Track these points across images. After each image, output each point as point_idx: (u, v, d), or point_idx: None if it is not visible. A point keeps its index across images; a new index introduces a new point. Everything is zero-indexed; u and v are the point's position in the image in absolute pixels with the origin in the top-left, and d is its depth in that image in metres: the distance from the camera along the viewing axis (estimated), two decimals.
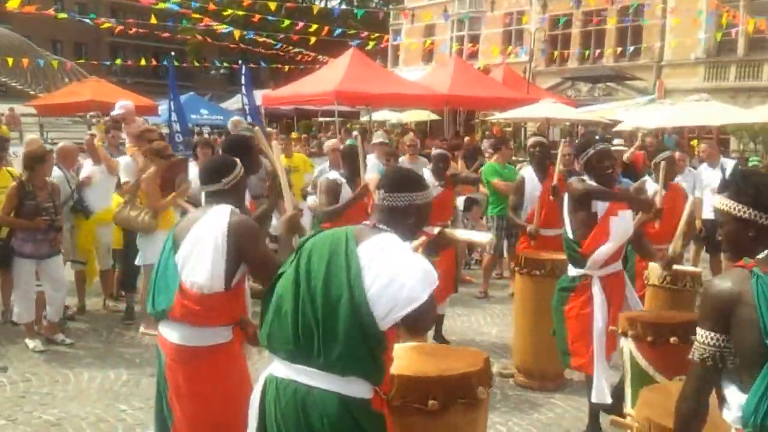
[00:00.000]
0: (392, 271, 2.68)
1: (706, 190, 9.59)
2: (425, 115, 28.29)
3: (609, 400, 4.93)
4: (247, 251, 3.46)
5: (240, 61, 17.54)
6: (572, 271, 5.15)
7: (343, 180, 6.57)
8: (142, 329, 7.42)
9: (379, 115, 27.87)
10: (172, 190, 7.27)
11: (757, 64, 27.78)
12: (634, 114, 20.68)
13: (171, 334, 3.50)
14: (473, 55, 35.18)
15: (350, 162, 6.67)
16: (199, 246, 3.45)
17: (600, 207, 5.00)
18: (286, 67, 30.83)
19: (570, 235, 5.14)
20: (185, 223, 3.68)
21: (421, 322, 2.82)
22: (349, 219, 5.30)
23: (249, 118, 15.61)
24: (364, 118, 24.71)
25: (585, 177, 5.10)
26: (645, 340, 4.38)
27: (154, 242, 6.83)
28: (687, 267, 6.74)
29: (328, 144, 9.69)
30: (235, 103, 27.46)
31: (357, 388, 2.71)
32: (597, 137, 5.63)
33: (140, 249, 7.35)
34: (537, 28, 31.93)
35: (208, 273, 3.41)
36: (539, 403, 5.87)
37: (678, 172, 7.76)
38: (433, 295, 2.73)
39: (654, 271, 6.10)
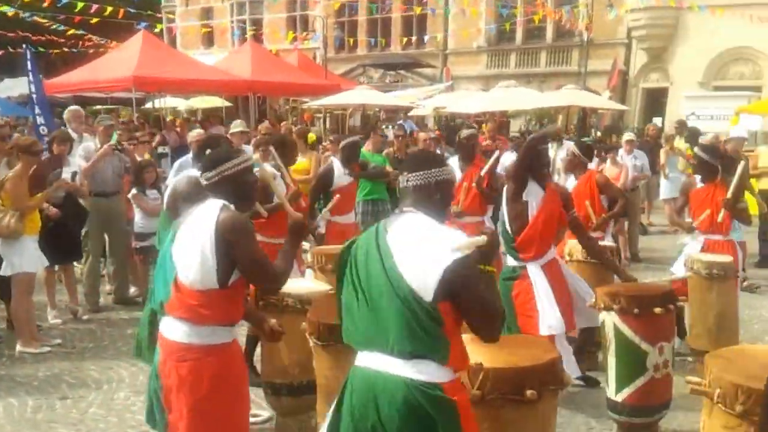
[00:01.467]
0: (418, 246, 2.77)
1: None
2: (218, 102, 26.83)
3: (578, 373, 5.09)
4: (233, 248, 3.28)
5: (24, 45, 15.32)
6: (511, 261, 5.16)
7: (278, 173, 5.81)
8: (18, 348, 6.60)
9: (166, 102, 25.98)
10: (43, 189, 6.63)
11: (534, 52, 29.58)
12: (447, 100, 21.05)
13: (169, 330, 3.39)
14: (257, 40, 34.07)
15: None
16: (189, 239, 3.34)
17: (533, 204, 5.02)
18: (53, 52, 27.67)
19: (507, 227, 5.14)
20: (187, 215, 3.50)
21: (470, 289, 2.73)
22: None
23: (37, 108, 13.71)
24: (149, 105, 22.80)
25: None
26: (631, 312, 4.68)
27: (21, 249, 6.43)
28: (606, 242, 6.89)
29: (192, 134, 8.54)
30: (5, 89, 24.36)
31: (426, 372, 2.73)
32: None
33: (4, 257, 6.45)
34: (324, 15, 31.63)
35: (196, 267, 3.29)
36: None
37: None
38: (469, 260, 2.71)
39: (575, 246, 6.21)
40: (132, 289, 8.32)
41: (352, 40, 31.85)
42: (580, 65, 27.79)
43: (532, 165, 5.00)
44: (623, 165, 10.46)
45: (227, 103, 26.52)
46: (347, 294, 2.97)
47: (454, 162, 9.21)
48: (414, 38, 30.45)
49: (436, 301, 2.71)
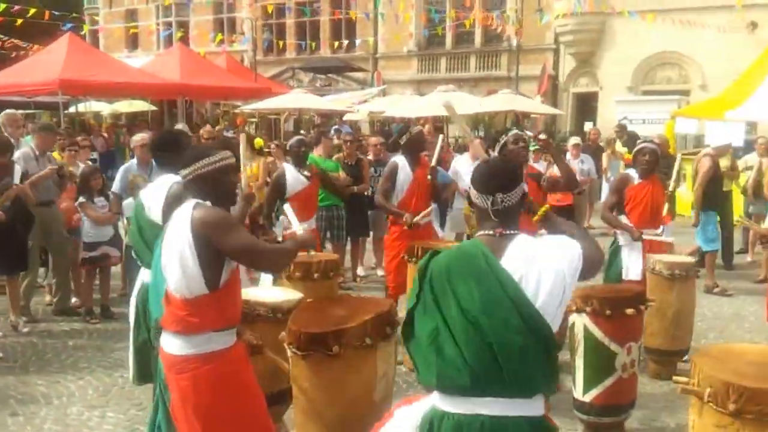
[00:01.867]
0: (552, 272, 2.55)
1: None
2: (143, 106, 26.12)
3: None
4: (220, 242, 3.17)
5: None
6: None
7: None
8: None
9: (91, 107, 25.16)
10: None
11: (464, 57, 29.85)
12: (385, 104, 21.02)
13: (166, 344, 3.29)
14: (184, 42, 33.35)
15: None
16: (172, 248, 3.22)
17: None
18: None
19: None
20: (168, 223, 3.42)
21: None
22: None
23: None
24: (72, 109, 22.00)
25: None
26: (603, 313, 4.74)
27: None
28: None
29: (136, 139, 8.21)
30: None
31: (538, 406, 2.62)
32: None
33: None
34: (252, 17, 31.21)
35: (179, 275, 3.17)
36: None
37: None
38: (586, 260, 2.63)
39: None
40: (73, 300, 7.94)
41: (282, 43, 31.48)
42: (509, 70, 28.26)
43: None
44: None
45: (153, 107, 25.91)
46: (429, 324, 2.61)
47: (463, 162, 9.29)
48: (346, 42, 30.25)
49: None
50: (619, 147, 12.95)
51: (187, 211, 3.22)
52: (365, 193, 9.42)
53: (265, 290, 4.93)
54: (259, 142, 11.11)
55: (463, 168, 9.92)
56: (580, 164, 11.04)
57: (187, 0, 31.48)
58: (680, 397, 5.37)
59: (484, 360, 2.50)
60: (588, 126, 23.41)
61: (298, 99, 19.74)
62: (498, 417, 2.52)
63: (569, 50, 26.76)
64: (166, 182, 4.31)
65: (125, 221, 7.48)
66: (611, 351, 4.71)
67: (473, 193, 2.79)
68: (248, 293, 4.57)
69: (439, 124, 20.91)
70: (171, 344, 3.26)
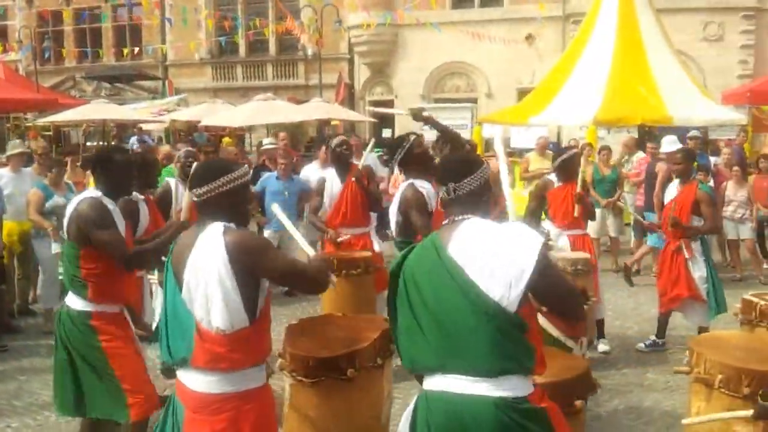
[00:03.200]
0: (492, 252, 2.64)
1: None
2: None
3: None
4: (265, 267, 2.96)
5: None
6: None
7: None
8: None
9: None
10: None
11: (260, 65, 29.61)
12: (197, 113, 20.29)
13: (194, 381, 2.97)
14: None
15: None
16: (202, 280, 2.90)
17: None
18: None
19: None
20: (179, 250, 3.05)
21: (556, 289, 2.75)
22: None
23: None
24: None
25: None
26: None
27: None
28: None
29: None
30: None
31: (511, 388, 2.63)
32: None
33: None
34: (24, 24, 28.76)
35: (221, 309, 2.89)
36: None
37: None
38: (545, 257, 2.68)
39: None
40: None
41: (65, 51, 29.26)
42: (307, 78, 28.51)
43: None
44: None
45: None
46: (405, 317, 2.80)
47: (313, 170, 8.99)
48: (137, 49, 28.75)
49: (520, 306, 2.62)
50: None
51: (217, 237, 2.91)
52: None
53: None
54: None
55: (313, 175, 9.89)
56: None
57: None
58: (623, 384, 5.92)
59: (444, 342, 2.65)
60: (387, 133, 24.29)
61: (100, 109, 18.49)
62: (462, 395, 2.62)
63: (364, 60, 27.50)
64: (82, 195, 4.17)
65: None
66: (567, 347, 4.85)
67: (440, 188, 2.95)
68: None
69: (241, 132, 20.61)
70: (202, 382, 2.96)
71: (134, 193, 5.07)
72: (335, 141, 6.86)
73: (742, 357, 3.62)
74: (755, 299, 4.81)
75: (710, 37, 23.61)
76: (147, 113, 21.86)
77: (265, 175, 9.56)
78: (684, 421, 3.63)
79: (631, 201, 10.49)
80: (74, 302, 4.01)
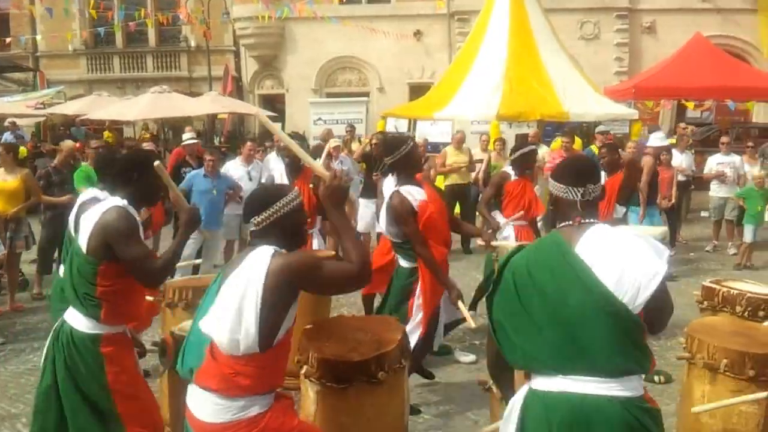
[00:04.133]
0: (623, 257, 2.69)
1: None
2: None
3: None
4: (314, 280, 2.95)
5: None
6: (406, 264, 5.23)
7: None
8: None
9: None
10: None
11: (139, 56, 28.51)
12: (81, 106, 19.30)
13: (199, 408, 2.91)
14: None
15: None
16: (232, 298, 2.88)
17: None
18: None
19: (397, 240, 5.24)
20: (231, 265, 3.04)
21: (664, 303, 2.76)
22: None
23: None
24: None
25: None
26: None
27: None
28: None
29: None
30: None
31: (633, 387, 2.70)
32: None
33: None
34: None
35: (232, 327, 2.84)
36: None
37: None
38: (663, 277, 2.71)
39: None
40: None
41: None
42: (190, 71, 27.74)
43: None
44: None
45: None
46: (516, 315, 2.80)
47: (235, 166, 8.83)
48: (8, 39, 26.89)
49: (640, 310, 2.68)
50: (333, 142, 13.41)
51: (263, 261, 2.89)
52: None
53: None
54: (23, 151, 9.62)
55: (236, 172, 9.71)
56: (339, 165, 11.37)
57: None
58: None
59: (566, 342, 2.67)
60: (278, 126, 23.96)
61: None
62: (588, 395, 2.65)
63: (251, 53, 27.02)
64: (103, 204, 3.68)
65: None
66: None
67: (559, 187, 2.93)
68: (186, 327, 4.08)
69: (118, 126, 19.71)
70: (207, 408, 2.89)
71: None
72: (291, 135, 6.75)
73: (743, 342, 3.90)
74: (716, 286, 5.15)
75: (587, 36, 24.84)
76: (23, 107, 20.57)
77: (192, 172, 9.27)
78: (694, 409, 3.79)
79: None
80: (80, 323, 3.58)
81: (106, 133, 19.88)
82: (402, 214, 4.98)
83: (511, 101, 14.01)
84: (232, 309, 2.85)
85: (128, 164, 3.76)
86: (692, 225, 13.37)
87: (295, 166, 6.64)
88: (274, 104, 26.91)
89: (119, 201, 3.60)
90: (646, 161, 9.76)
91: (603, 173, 7.00)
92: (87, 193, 4.63)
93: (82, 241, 3.54)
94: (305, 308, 5.47)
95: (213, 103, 17.61)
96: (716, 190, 11.58)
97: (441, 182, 11.75)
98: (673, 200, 10.80)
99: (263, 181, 9.84)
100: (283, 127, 24.85)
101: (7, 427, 5.22)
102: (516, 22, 15.44)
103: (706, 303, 5.17)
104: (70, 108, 20.23)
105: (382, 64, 25.97)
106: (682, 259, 10.58)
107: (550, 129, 16.01)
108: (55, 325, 3.68)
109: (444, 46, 25.77)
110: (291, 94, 26.27)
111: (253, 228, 3.04)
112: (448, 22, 25.58)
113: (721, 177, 11.46)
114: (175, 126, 22.17)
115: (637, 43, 25.17)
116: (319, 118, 20.67)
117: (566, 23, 23.16)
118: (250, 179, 9.71)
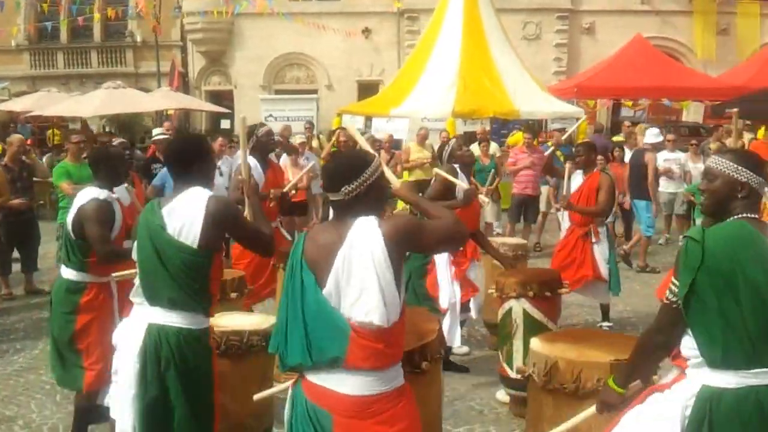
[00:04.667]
0: None
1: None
2: None
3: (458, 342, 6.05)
4: (422, 240, 2.93)
5: None
6: None
7: None
8: None
9: None
10: None
11: (84, 51, 28.16)
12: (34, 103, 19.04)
13: (346, 384, 2.80)
14: None
15: None
16: (357, 276, 2.78)
17: None
18: None
19: None
20: (315, 248, 2.89)
21: None
22: None
23: None
24: None
25: None
26: (542, 295, 5.31)
27: None
28: None
29: None
30: None
31: None
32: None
33: None
34: None
35: (382, 307, 2.75)
36: None
37: None
38: None
39: None
40: None
41: None
42: (137, 66, 27.54)
43: None
44: (302, 165, 11.18)
45: None
46: (712, 308, 2.70)
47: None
48: None
49: None
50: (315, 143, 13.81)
51: (373, 230, 2.81)
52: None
53: (233, 317, 4.58)
54: None
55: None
56: (305, 161, 11.68)
57: None
58: None
59: (764, 333, 2.66)
60: (225, 124, 24.03)
61: None
62: None
63: (199, 48, 26.99)
64: (197, 197, 3.49)
65: None
66: (548, 329, 5.19)
67: (755, 179, 2.86)
68: (222, 322, 4.29)
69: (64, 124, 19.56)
70: (359, 384, 2.81)
71: (106, 191, 4.59)
72: (261, 131, 6.78)
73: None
74: None
75: (529, 36, 25.64)
76: None
77: (164, 169, 9.39)
78: None
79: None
80: (190, 320, 3.44)
81: (51, 131, 19.66)
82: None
83: (466, 99, 14.45)
84: (372, 287, 2.77)
85: (194, 151, 3.63)
86: None
87: (266, 159, 6.83)
88: (221, 101, 26.90)
89: (205, 191, 3.49)
90: (649, 158, 10.31)
91: (580, 172, 7.29)
92: (87, 192, 4.50)
93: (188, 237, 3.40)
94: None
95: (166, 99, 17.63)
96: (665, 186, 12.22)
97: (406, 178, 12.19)
98: (628, 196, 11.35)
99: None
100: (231, 124, 24.95)
101: (4, 430, 5.18)
102: (469, 22, 15.84)
103: None
104: (18, 105, 19.94)
105: (330, 61, 26.28)
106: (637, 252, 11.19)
107: (496, 126, 16.68)
108: (143, 335, 3.42)
109: (393, 44, 26.23)
110: (239, 91, 26.37)
111: (340, 197, 2.90)
112: (397, 20, 26.03)
113: (668, 173, 12.13)
114: (125, 123, 22.06)
115: (576, 44, 26.11)
116: (270, 115, 20.73)
117: (510, 24, 23.61)
118: (221, 174, 9.90)
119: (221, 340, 4.06)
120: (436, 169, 6.39)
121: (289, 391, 2.97)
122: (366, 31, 26.11)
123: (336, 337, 2.79)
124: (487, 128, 15.28)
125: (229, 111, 24.83)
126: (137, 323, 3.48)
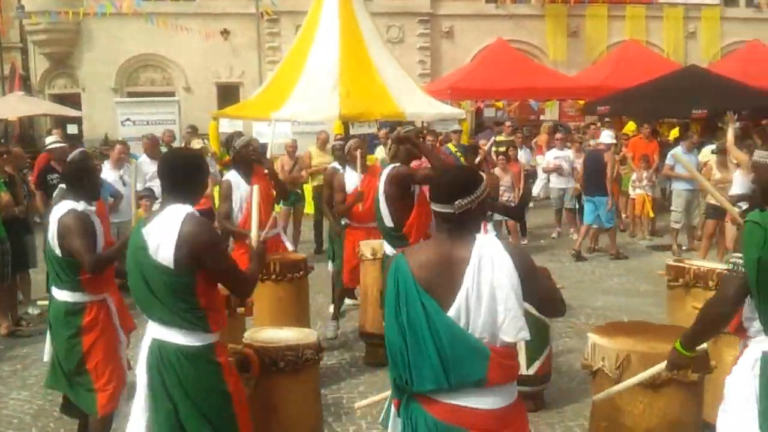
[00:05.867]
0: None
1: None
2: None
3: None
4: (531, 288, 2.92)
5: None
6: (390, 250, 5.86)
7: None
8: None
9: None
10: None
11: None
12: None
13: (484, 402, 2.84)
14: None
15: None
16: (487, 294, 2.77)
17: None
18: None
19: (389, 224, 5.83)
20: (428, 268, 2.82)
21: None
22: None
23: None
24: None
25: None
26: None
27: None
28: None
29: None
30: None
31: None
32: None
33: None
34: None
35: (517, 324, 2.81)
36: None
37: None
38: None
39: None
40: None
41: None
42: None
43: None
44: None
45: None
46: None
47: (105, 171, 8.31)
48: None
49: None
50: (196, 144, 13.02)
51: (498, 248, 2.83)
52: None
53: (268, 332, 4.43)
54: None
55: (108, 177, 9.09)
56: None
57: None
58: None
59: None
60: (72, 129, 22.40)
61: None
62: None
63: (42, 50, 25.00)
64: (174, 215, 3.37)
65: None
66: (546, 324, 5.32)
67: None
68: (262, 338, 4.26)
69: None
70: (499, 398, 2.85)
71: (84, 205, 4.46)
72: (239, 142, 6.42)
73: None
74: (685, 264, 5.53)
75: (393, 39, 25.74)
76: None
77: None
78: (596, 398, 3.85)
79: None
80: (187, 338, 3.37)
81: None
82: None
83: (351, 102, 14.24)
84: (516, 307, 2.80)
85: (190, 167, 3.52)
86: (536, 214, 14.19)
87: (250, 167, 6.39)
88: (67, 104, 25.11)
89: (186, 208, 3.37)
90: (608, 157, 10.86)
91: None
92: (64, 205, 4.41)
93: (164, 258, 3.29)
94: (288, 300, 5.88)
95: (24, 103, 16.11)
96: (555, 182, 12.63)
97: (309, 183, 11.78)
98: (521, 192, 11.62)
99: (143, 184, 9.28)
100: (80, 129, 23.32)
101: None
102: (346, 24, 15.63)
103: (680, 281, 5.43)
104: None
105: (188, 63, 25.20)
106: (535, 246, 11.44)
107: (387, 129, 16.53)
108: (147, 350, 3.43)
109: (253, 46, 25.53)
110: (88, 94, 24.69)
111: (451, 210, 2.86)
112: (257, 21, 25.35)
113: (558, 170, 12.50)
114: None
115: (438, 47, 26.59)
116: (128, 119, 19.42)
117: None
118: (124, 184, 9.13)
119: (277, 357, 3.99)
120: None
121: (394, 414, 2.99)
122: (225, 33, 25.23)
123: (476, 359, 2.79)
124: (376, 131, 15.10)
125: (79, 115, 23.32)
126: (146, 337, 3.48)
